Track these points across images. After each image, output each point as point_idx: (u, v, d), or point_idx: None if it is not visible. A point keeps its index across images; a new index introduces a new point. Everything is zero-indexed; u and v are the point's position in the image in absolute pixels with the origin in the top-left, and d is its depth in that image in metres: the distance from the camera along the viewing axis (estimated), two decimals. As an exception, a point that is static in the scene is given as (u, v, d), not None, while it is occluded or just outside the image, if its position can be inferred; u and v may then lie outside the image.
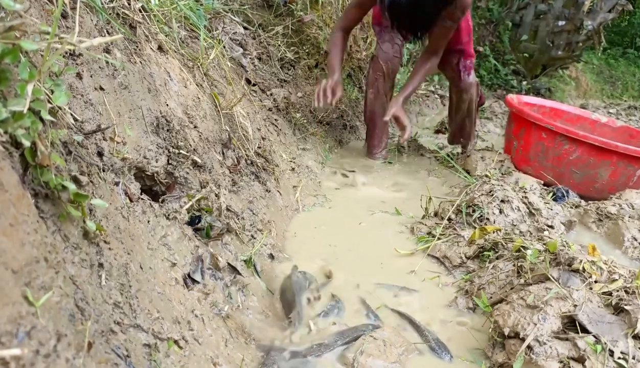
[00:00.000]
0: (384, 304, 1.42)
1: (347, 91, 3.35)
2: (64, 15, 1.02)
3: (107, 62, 1.12)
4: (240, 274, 1.31)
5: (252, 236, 1.50)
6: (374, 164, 2.82)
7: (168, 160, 1.30)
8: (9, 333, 0.51)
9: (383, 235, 1.88)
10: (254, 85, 2.40)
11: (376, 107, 2.81)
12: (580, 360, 1.09)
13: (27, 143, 0.65)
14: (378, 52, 2.77)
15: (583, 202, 2.23)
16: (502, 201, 1.89)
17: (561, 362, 1.10)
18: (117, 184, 1.05)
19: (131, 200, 1.09)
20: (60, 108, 0.85)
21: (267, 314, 1.31)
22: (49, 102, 0.76)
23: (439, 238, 1.77)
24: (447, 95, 3.36)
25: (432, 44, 2.56)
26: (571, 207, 2.17)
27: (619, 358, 1.08)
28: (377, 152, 2.88)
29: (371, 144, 2.89)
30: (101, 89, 1.08)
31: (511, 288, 1.40)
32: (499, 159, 2.69)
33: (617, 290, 1.22)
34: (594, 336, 1.12)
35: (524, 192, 2.06)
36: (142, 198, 1.14)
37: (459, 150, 3.15)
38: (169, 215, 1.21)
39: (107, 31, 1.20)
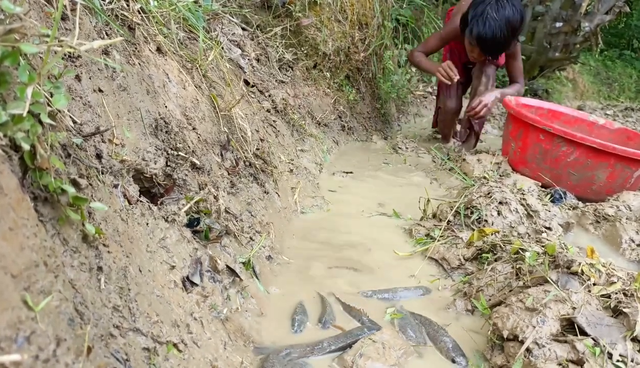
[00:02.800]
0: (398, 307, 1.42)
1: (345, 92, 3.35)
2: (63, 17, 1.01)
3: (105, 64, 1.12)
4: (238, 277, 1.31)
5: (250, 238, 1.50)
6: (371, 166, 2.82)
7: (166, 162, 1.30)
8: (8, 338, 0.51)
9: (381, 237, 1.88)
10: (252, 86, 2.39)
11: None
12: (579, 362, 1.10)
13: (26, 146, 0.65)
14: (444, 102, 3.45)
15: (581, 204, 2.23)
16: (500, 203, 1.89)
17: (560, 364, 1.11)
18: (115, 186, 1.04)
19: (130, 203, 1.09)
20: (59, 111, 0.84)
21: (266, 316, 1.30)
22: (49, 105, 0.76)
23: (437, 240, 1.77)
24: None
25: (511, 76, 3.21)
26: (569, 209, 2.17)
27: (618, 360, 1.08)
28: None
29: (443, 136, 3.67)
30: (100, 90, 1.07)
31: (510, 291, 1.40)
32: (497, 160, 2.70)
33: (616, 293, 1.22)
34: (593, 339, 1.12)
35: (522, 193, 2.06)
36: (140, 201, 1.14)
37: (457, 150, 3.16)
38: (167, 217, 1.21)
39: (106, 33, 1.20)
